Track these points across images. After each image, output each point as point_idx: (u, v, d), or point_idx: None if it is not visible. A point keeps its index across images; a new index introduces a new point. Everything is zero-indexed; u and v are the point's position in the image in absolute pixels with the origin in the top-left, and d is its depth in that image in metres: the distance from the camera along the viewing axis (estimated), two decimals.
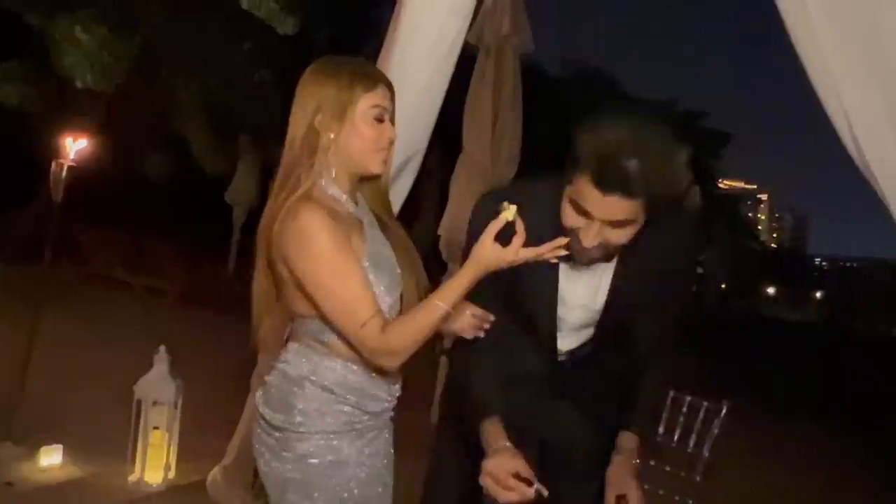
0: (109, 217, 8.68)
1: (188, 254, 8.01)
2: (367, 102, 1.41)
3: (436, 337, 1.45)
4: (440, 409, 2.69)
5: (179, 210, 12.24)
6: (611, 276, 1.54)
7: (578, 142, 1.33)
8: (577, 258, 1.41)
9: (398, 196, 2.38)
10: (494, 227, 1.32)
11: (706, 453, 3.04)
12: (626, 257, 1.52)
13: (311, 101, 1.40)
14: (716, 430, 3.04)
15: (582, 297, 1.56)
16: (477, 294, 1.42)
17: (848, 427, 7.24)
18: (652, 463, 3.03)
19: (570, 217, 1.39)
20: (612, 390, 1.65)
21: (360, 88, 1.40)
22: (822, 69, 1.74)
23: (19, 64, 7.92)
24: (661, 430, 3.05)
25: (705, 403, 3.10)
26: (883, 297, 54.25)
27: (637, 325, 1.61)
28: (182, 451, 3.13)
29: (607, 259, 1.50)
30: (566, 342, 1.63)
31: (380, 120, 1.43)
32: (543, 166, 1.58)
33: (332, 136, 1.40)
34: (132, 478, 3.03)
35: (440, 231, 4.18)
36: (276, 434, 1.44)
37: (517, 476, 1.36)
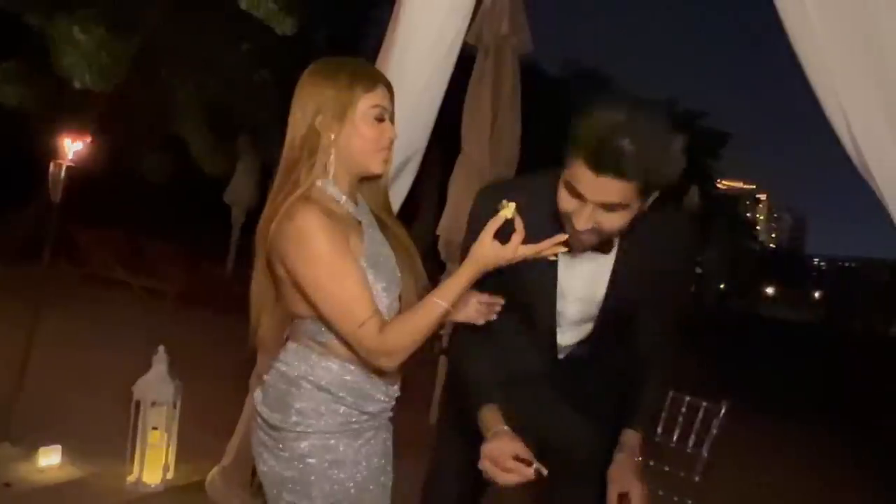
0: (108, 217, 8.67)
1: (187, 254, 8.00)
2: (367, 102, 1.41)
3: (434, 337, 1.45)
4: (440, 409, 2.70)
5: (178, 210, 12.23)
6: (610, 269, 1.54)
7: (575, 126, 1.34)
8: (573, 245, 1.41)
9: (397, 196, 2.39)
10: (493, 224, 1.33)
11: (705, 453, 3.04)
12: (624, 251, 1.52)
13: (310, 102, 1.40)
14: (715, 430, 3.05)
15: (581, 289, 1.56)
16: (477, 290, 1.42)
17: (847, 427, 7.24)
18: (651, 463, 3.03)
19: (564, 200, 1.39)
20: (612, 391, 1.65)
21: (360, 88, 1.40)
22: (821, 69, 1.74)
23: (18, 64, 7.91)
24: (659, 429, 3.06)
25: (704, 403, 3.10)
26: (881, 297, 54.25)
27: (636, 322, 1.62)
28: (181, 452, 3.13)
29: (603, 249, 1.50)
30: (566, 337, 1.62)
31: (380, 119, 1.43)
32: (543, 166, 1.58)
33: (332, 136, 1.40)
34: (131, 478, 3.02)
35: (439, 231, 4.18)
36: (274, 433, 1.44)
37: (516, 458, 1.37)
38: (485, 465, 1.39)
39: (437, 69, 2.35)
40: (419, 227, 9.59)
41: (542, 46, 4.66)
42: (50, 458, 3.08)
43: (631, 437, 1.56)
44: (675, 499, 3.02)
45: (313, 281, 1.35)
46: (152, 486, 3.02)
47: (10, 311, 4.09)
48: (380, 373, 1.45)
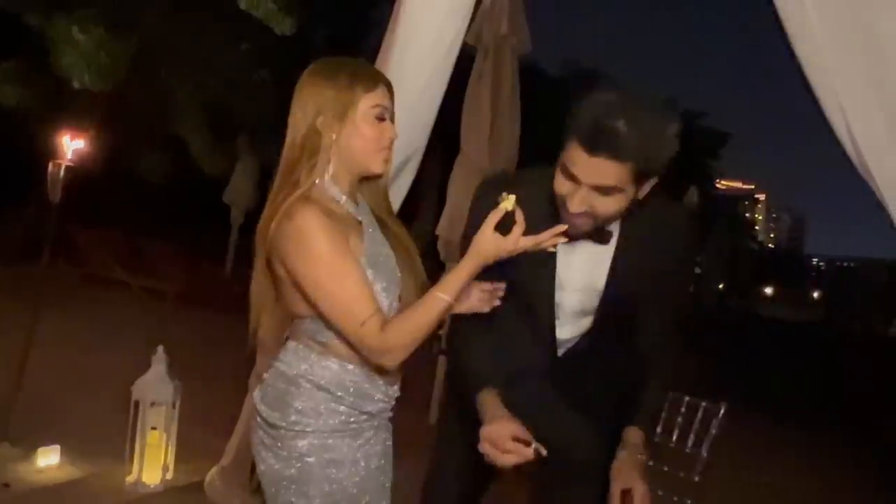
0: (107, 217, 8.67)
1: (186, 254, 8.00)
2: (367, 102, 1.41)
3: (432, 337, 1.45)
4: (440, 409, 2.69)
5: (177, 210, 12.23)
6: (609, 260, 1.54)
7: (571, 111, 1.36)
8: (568, 230, 1.41)
9: (397, 196, 2.39)
10: (494, 217, 1.33)
11: (704, 453, 3.04)
12: (624, 243, 1.53)
13: (311, 103, 1.40)
14: (714, 431, 3.04)
15: (579, 280, 1.56)
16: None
17: (846, 427, 7.25)
18: (650, 463, 3.03)
19: (559, 183, 1.40)
20: (611, 391, 1.65)
21: (360, 88, 1.40)
22: (820, 69, 1.75)
23: (17, 64, 7.91)
24: (659, 429, 3.06)
25: (703, 403, 3.10)
26: (880, 297, 54.29)
27: (636, 321, 1.61)
28: (180, 452, 3.13)
29: (601, 240, 1.50)
30: (565, 331, 1.62)
31: (381, 119, 1.43)
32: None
33: (333, 136, 1.40)
34: (130, 478, 3.02)
35: (438, 231, 4.18)
36: (273, 432, 1.44)
37: (515, 439, 1.37)
38: (484, 447, 1.39)
39: (437, 69, 2.35)
40: (419, 226, 9.60)
41: (541, 46, 4.66)
42: (49, 459, 3.08)
43: (634, 434, 1.56)
44: (675, 499, 3.01)
45: (314, 281, 1.35)
46: (151, 486, 3.02)
47: (9, 311, 4.09)
48: (380, 372, 1.45)
